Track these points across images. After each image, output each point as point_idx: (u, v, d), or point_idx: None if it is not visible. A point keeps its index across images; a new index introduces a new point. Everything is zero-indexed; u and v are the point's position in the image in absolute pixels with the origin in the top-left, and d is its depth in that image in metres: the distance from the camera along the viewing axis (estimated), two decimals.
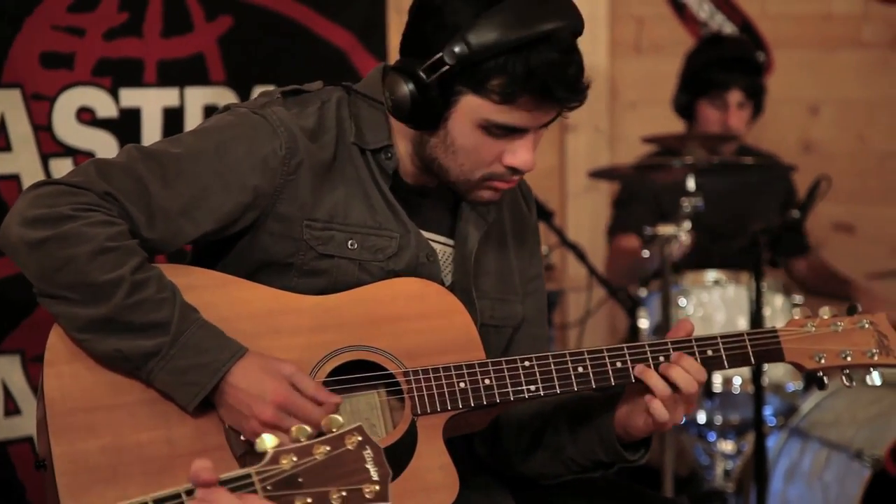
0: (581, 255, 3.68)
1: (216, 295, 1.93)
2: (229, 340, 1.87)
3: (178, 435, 1.87)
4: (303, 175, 1.96)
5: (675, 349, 1.97)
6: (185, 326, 1.85)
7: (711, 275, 3.68)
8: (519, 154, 1.94)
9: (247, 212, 1.95)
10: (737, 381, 3.58)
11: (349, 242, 1.97)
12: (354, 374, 1.94)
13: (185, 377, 1.85)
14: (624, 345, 1.98)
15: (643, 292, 3.74)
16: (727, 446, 3.71)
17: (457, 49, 1.87)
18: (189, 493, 1.42)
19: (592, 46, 4.67)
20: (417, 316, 1.97)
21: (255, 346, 1.89)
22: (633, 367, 1.95)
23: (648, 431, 1.99)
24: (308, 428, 1.45)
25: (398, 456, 1.90)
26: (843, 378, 2.04)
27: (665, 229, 3.37)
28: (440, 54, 1.88)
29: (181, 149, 1.94)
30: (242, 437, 1.86)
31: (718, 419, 3.64)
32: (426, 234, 2.04)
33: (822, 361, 2.02)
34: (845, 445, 3.50)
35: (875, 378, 2.04)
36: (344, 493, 1.44)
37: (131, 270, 1.84)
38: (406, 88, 1.92)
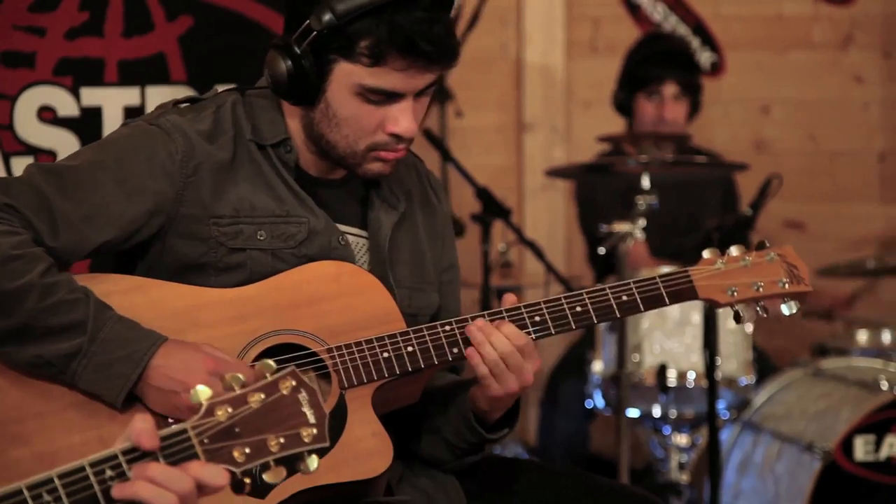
0: (538, 252, 3.72)
1: (134, 298, 1.94)
2: (146, 331, 1.89)
3: (109, 433, 1.86)
4: (203, 176, 1.98)
5: (590, 298, 2.00)
6: (102, 323, 1.86)
7: (666, 270, 3.73)
8: (400, 121, 1.97)
9: (150, 218, 1.97)
10: (691, 375, 3.63)
11: (258, 234, 2.00)
12: (279, 357, 1.95)
13: (109, 371, 1.85)
14: (540, 300, 2.00)
15: None
16: (682, 439, 3.76)
17: (324, 17, 1.91)
18: (126, 452, 1.39)
19: (549, 47, 4.72)
20: (335, 295, 1.99)
21: None
22: (466, 331, 1.97)
23: (488, 404, 2.01)
24: (241, 376, 1.43)
25: (330, 430, 1.91)
26: (759, 310, 2.08)
27: (621, 227, 3.42)
28: (308, 23, 1.93)
29: (80, 161, 1.97)
30: (171, 420, 1.86)
31: (673, 413, 3.69)
32: (339, 227, 2.06)
33: (735, 295, 2.06)
34: (796, 438, 3.55)
35: (790, 307, 2.08)
36: (282, 440, 1.42)
37: (39, 275, 1.84)
38: (283, 65, 1.96)
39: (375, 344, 1.96)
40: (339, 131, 1.99)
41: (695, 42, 4.79)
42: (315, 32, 1.93)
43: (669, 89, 4.05)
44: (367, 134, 1.99)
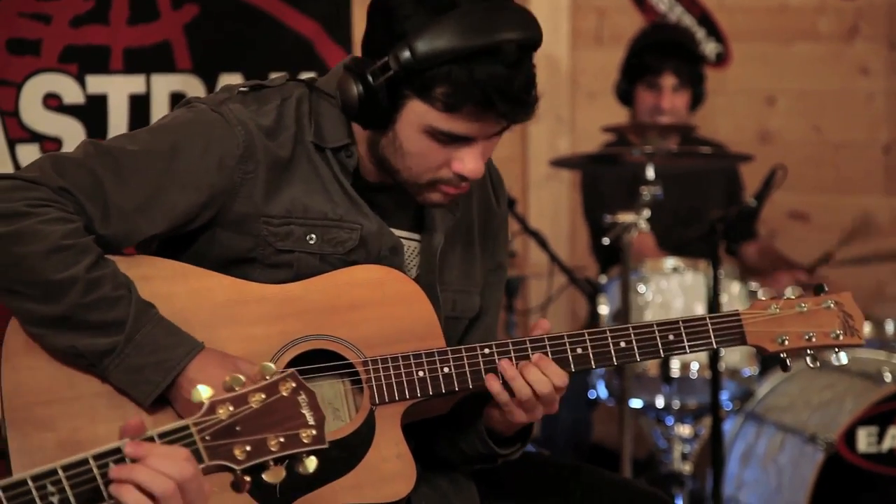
0: (542, 242, 3.72)
1: (175, 285, 1.92)
2: (185, 336, 1.87)
3: None
4: (259, 173, 1.95)
5: (636, 334, 1.95)
6: (141, 325, 1.84)
7: (670, 262, 3.74)
8: (466, 162, 1.93)
9: (203, 210, 1.94)
10: (694, 366, 3.63)
11: (308, 236, 1.97)
12: (315, 363, 1.94)
13: (140, 375, 1.84)
14: (585, 331, 1.97)
15: (603, 279, 3.80)
16: (684, 430, 3.76)
17: (403, 55, 1.85)
18: (98, 457, 1.41)
19: (554, 37, 4.71)
20: (378, 303, 1.96)
21: (213, 337, 1.89)
22: (499, 364, 1.93)
23: (508, 427, 2.00)
24: (241, 377, 1.45)
25: (355, 446, 1.91)
26: (808, 359, 2.01)
27: (625, 217, 3.42)
28: (387, 58, 1.87)
29: (138, 146, 1.93)
30: None
31: (676, 403, 3.69)
32: (392, 230, 2.03)
33: (786, 343, 2.00)
34: (799, 429, 3.56)
35: (841, 358, 2.01)
36: (282, 439, 1.45)
37: (86, 268, 1.83)
38: (355, 89, 1.91)
39: (412, 361, 1.93)
40: (402, 161, 1.95)
41: (700, 33, 4.78)
42: (392, 71, 1.87)
43: (668, 80, 4.05)
44: (432, 170, 1.95)
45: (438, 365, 1.94)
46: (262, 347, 1.91)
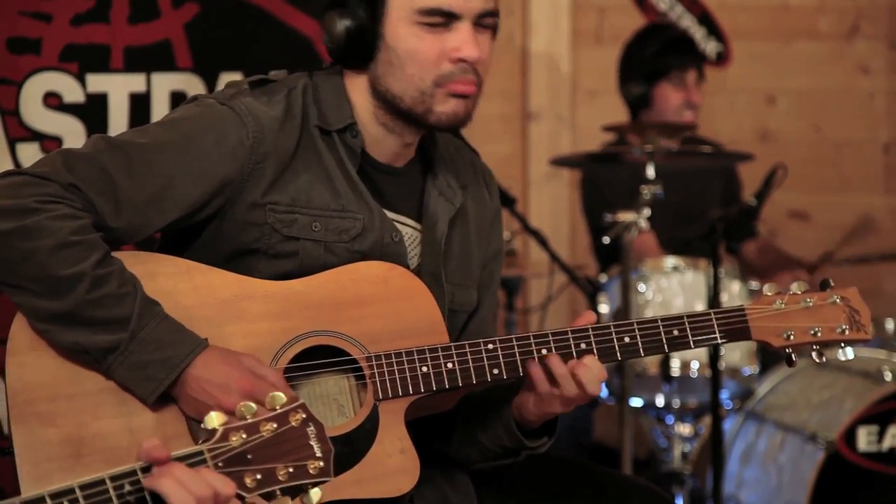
0: (543, 241, 3.72)
1: (180, 282, 1.93)
2: (189, 334, 1.88)
3: (139, 424, 1.87)
4: (269, 164, 1.97)
5: (640, 329, 1.96)
6: (146, 322, 1.85)
7: (670, 261, 3.74)
8: (461, 45, 1.96)
9: (213, 199, 1.96)
10: (694, 365, 3.63)
11: (313, 225, 1.98)
12: (319, 359, 1.95)
13: (144, 372, 1.85)
14: (588, 325, 1.98)
15: (603, 278, 3.80)
16: (685, 429, 3.77)
17: None
18: (144, 469, 1.44)
19: (554, 36, 4.72)
20: (381, 299, 1.97)
21: (218, 333, 1.90)
22: (548, 360, 1.94)
23: (541, 418, 2.01)
24: (253, 405, 1.48)
25: (359, 441, 1.92)
26: (814, 354, 2.01)
27: (625, 216, 3.42)
28: None
29: (148, 139, 1.94)
30: (202, 425, 1.87)
31: (676, 402, 3.69)
32: (392, 216, 2.05)
33: (791, 339, 1.99)
34: (800, 428, 3.56)
35: (848, 353, 2.00)
36: (290, 469, 1.48)
37: (93, 265, 1.84)
38: (340, 23, 1.97)
39: (416, 357, 1.94)
40: (403, 74, 1.98)
41: (700, 32, 4.78)
42: None
43: (692, 75, 4.11)
44: (431, 65, 1.97)
45: (442, 360, 1.94)
46: (267, 344, 1.92)
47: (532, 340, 1.96)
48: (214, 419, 1.47)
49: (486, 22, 1.99)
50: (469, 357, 1.95)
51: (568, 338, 1.97)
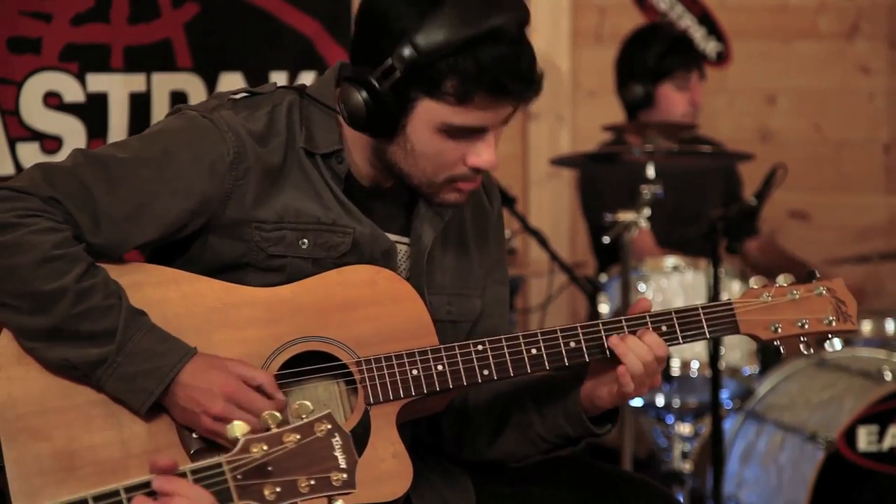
0: (543, 241, 3.72)
1: (167, 291, 1.92)
2: (177, 343, 1.87)
3: (130, 435, 1.86)
4: (251, 179, 1.94)
5: (628, 326, 1.96)
6: (132, 333, 1.84)
7: (670, 260, 3.74)
8: (482, 154, 1.93)
9: (194, 217, 1.93)
10: (694, 364, 3.64)
11: (301, 241, 1.96)
12: (309, 364, 1.94)
13: (134, 384, 1.84)
14: (577, 324, 1.97)
15: (603, 277, 3.80)
16: (685, 429, 3.77)
17: (405, 53, 1.85)
18: (129, 490, 1.41)
19: (554, 35, 4.72)
20: (369, 302, 1.95)
21: (206, 341, 1.89)
22: (606, 340, 1.95)
23: (614, 403, 1.99)
24: (278, 414, 1.44)
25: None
26: (802, 346, 2.02)
27: (625, 216, 3.42)
28: (390, 61, 1.87)
29: (128, 153, 1.93)
30: (195, 435, 1.86)
31: (676, 402, 3.70)
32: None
33: (779, 331, 2.00)
34: (800, 428, 3.56)
35: (835, 344, 2.02)
36: (312, 482, 1.43)
37: (75, 279, 1.83)
38: (360, 98, 1.90)
39: (405, 360, 1.93)
40: (416, 164, 1.94)
41: (700, 32, 4.78)
42: (398, 71, 1.86)
43: (696, 76, 4.14)
44: (447, 168, 1.94)
45: (432, 363, 1.93)
46: (256, 350, 1.91)
47: (521, 341, 1.95)
48: (237, 429, 1.43)
49: (508, 119, 1.96)
50: (459, 359, 1.94)
51: (557, 337, 1.96)
